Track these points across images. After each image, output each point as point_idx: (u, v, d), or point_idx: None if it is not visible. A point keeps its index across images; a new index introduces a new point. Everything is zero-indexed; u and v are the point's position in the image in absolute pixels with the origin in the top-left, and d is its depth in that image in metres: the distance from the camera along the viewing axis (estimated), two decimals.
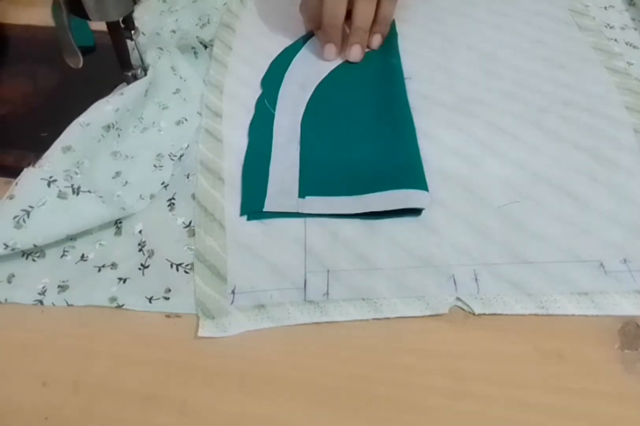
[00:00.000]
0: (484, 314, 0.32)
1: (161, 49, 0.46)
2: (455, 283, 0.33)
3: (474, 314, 0.32)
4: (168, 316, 0.33)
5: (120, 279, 0.35)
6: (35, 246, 0.35)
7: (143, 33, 0.45)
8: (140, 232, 0.37)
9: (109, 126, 0.39)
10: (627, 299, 0.32)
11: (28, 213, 0.34)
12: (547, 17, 0.51)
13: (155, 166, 0.40)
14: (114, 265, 0.36)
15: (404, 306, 0.33)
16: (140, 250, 0.36)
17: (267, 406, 0.30)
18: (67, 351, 0.32)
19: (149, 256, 0.36)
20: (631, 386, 0.30)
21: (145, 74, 0.43)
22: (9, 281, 0.35)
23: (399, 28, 0.50)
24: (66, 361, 0.32)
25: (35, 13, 0.50)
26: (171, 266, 0.35)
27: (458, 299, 0.33)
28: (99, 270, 0.35)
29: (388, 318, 0.32)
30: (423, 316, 0.32)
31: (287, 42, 0.50)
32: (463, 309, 0.33)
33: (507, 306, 0.32)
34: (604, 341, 0.31)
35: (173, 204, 0.38)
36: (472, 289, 0.33)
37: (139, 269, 0.35)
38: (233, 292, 0.34)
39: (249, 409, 0.30)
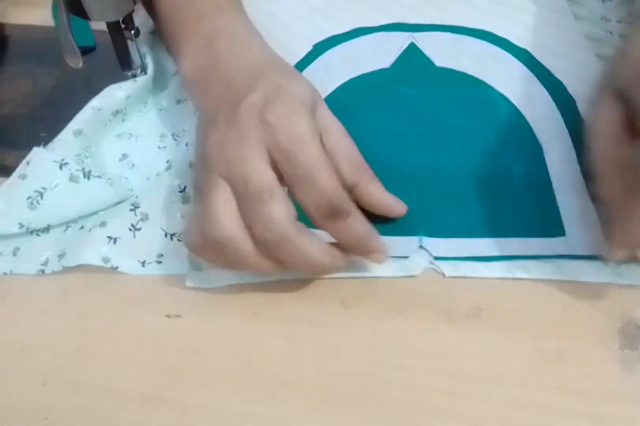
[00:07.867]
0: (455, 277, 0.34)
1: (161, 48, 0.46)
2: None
3: (444, 275, 0.34)
4: (168, 316, 0.33)
5: (110, 238, 0.35)
6: (48, 225, 0.36)
7: (142, 33, 0.45)
8: (131, 190, 0.38)
9: (117, 112, 0.40)
10: (591, 267, 0.34)
11: (41, 195, 0.35)
12: (544, 7, 0.50)
13: (159, 147, 0.41)
14: (103, 224, 0.36)
15: (378, 267, 0.34)
16: (132, 210, 0.36)
17: (267, 406, 0.30)
18: (67, 351, 0.32)
19: (141, 219, 0.36)
20: (631, 386, 0.30)
21: (146, 74, 0.43)
22: (14, 254, 0.36)
23: None
24: (66, 361, 0.32)
25: (35, 13, 0.50)
26: (165, 235, 0.36)
27: (431, 262, 0.34)
28: (89, 230, 0.36)
29: (389, 316, 0.33)
30: (423, 317, 0.32)
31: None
32: (439, 271, 0.34)
33: (475, 270, 0.34)
34: (604, 341, 0.31)
35: (170, 166, 0.39)
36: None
37: (130, 230, 0.36)
38: None
39: (249, 409, 0.30)
